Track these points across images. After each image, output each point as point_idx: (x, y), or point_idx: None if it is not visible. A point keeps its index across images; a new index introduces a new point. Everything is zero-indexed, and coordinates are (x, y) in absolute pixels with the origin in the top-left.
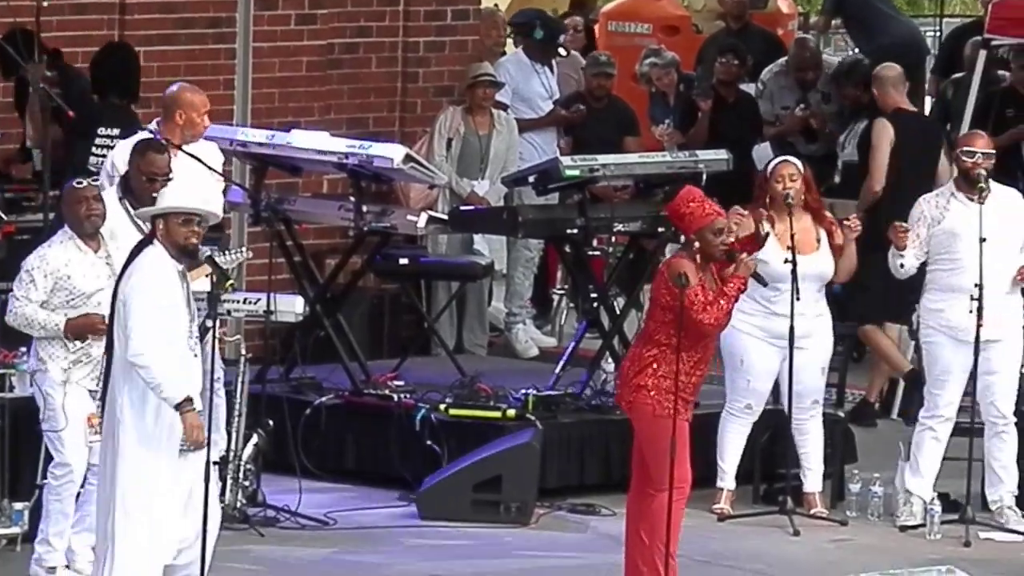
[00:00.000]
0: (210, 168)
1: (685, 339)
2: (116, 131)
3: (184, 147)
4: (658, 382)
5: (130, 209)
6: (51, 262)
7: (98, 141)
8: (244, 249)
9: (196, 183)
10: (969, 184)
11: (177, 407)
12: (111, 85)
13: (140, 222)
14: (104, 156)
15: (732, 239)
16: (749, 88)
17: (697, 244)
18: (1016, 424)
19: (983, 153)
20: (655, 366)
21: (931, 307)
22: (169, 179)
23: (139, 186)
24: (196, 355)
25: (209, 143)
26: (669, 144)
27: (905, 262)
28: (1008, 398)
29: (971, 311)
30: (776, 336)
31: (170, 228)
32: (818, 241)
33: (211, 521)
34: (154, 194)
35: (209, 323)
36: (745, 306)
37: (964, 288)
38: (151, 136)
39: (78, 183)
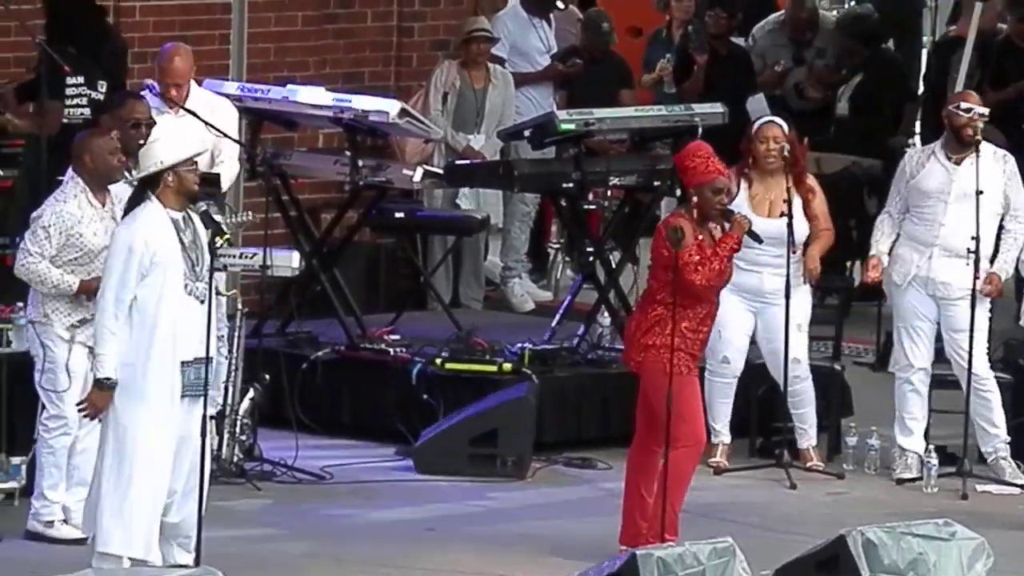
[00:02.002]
0: (209, 125)
1: (684, 297)
2: (81, 79)
3: (196, 101)
4: (666, 340)
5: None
6: (66, 219)
7: (69, 92)
8: (247, 213)
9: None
10: (960, 142)
11: (96, 379)
12: (69, 33)
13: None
14: (77, 107)
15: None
16: (739, 42)
17: (695, 199)
18: (1005, 376)
19: (978, 112)
20: (662, 325)
21: (895, 255)
22: (152, 123)
23: (125, 135)
24: (203, 300)
25: (223, 99)
26: (667, 79)
27: (881, 247)
28: (980, 356)
29: (967, 263)
30: (745, 290)
31: (182, 177)
32: (786, 203)
33: (196, 477)
34: (140, 141)
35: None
36: None
37: (927, 243)
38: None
39: (108, 135)
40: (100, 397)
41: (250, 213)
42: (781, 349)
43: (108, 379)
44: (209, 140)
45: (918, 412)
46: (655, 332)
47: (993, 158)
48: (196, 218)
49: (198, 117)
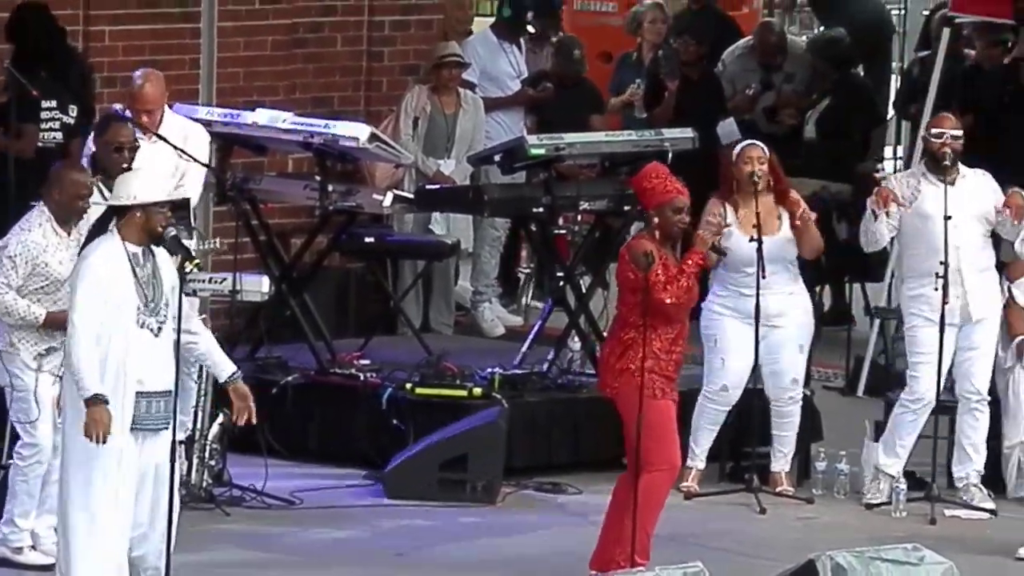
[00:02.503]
0: (180, 151)
1: (654, 318)
2: (54, 103)
3: (169, 127)
4: (639, 364)
5: (103, 188)
6: (31, 248)
7: (44, 115)
8: (214, 240)
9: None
10: (937, 165)
11: (86, 400)
12: (37, 57)
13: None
14: (50, 131)
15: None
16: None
17: (656, 220)
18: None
19: (951, 134)
20: (635, 348)
21: (911, 294)
22: (136, 148)
23: (107, 159)
24: (156, 334)
25: (196, 125)
26: (637, 104)
27: (879, 229)
28: (984, 376)
29: (936, 288)
30: (747, 316)
31: (151, 217)
32: (779, 220)
33: (163, 511)
34: (123, 164)
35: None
36: (718, 288)
37: (939, 270)
38: (111, 112)
39: (84, 177)
40: (98, 413)
41: (218, 240)
42: (784, 370)
43: (97, 395)
44: (182, 166)
45: (909, 441)
46: (628, 356)
47: (974, 176)
48: (158, 252)
49: (170, 144)
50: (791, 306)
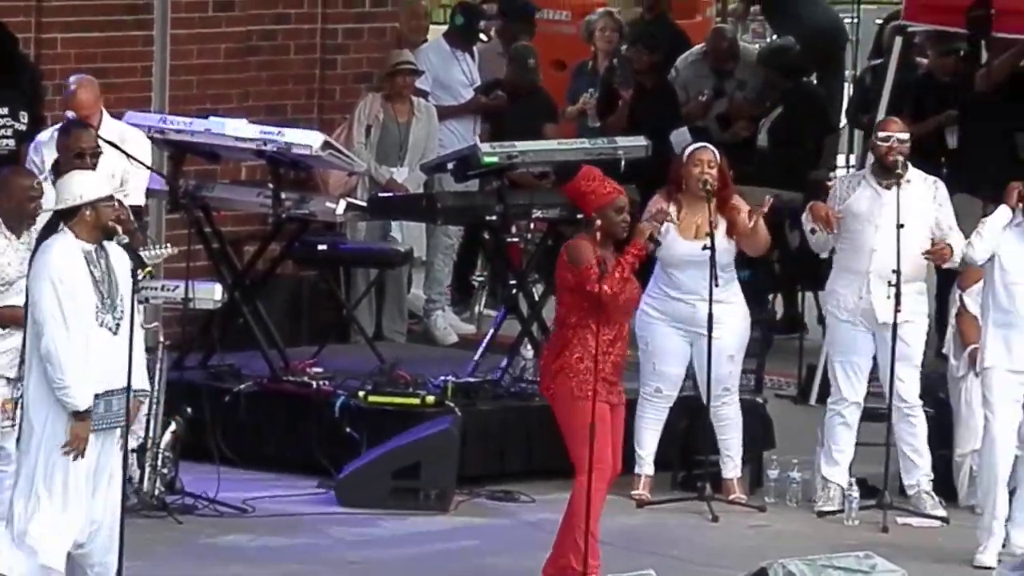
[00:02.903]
0: (128, 155)
1: (592, 318)
2: (6, 109)
3: (108, 132)
4: (575, 364)
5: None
6: None
7: None
8: (167, 246)
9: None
10: (884, 170)
11: (75, 414)
12: None
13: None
14: (3, 138)
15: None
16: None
17: (599, 223)
18: (926, 409)
19: (898, 138)
20: (571, 349)
21: (829, 287)
22: (98, 154)
23: (69, 165)
24: (115, 332)
25: (135, 130)
26: (590, 112)
27: (818, 240)
28: (912, 385)
29: (889, 296)
30: (677, 320)
31: (100, 213)
32: (716, 227)
33: (116, 508)
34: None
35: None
36: (651, 289)
37: (861, 271)
38: (66, 120)
39: (31, 180)
40: (84, 430)
41: (169, 245)
42: (715, 379)
43: (87, 410)
44: (120, 170)
45: (846, 445)
46: (564, 357)
47: (923, 184)
48: (111, 249)
49: (114, 146)
50: (725, 314)
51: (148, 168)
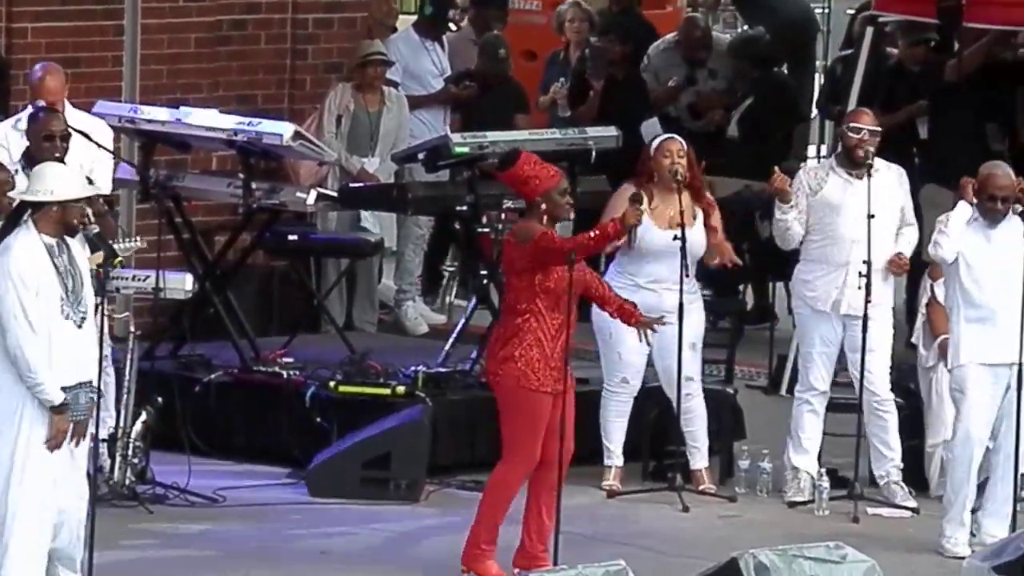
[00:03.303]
0: (97, 144)
1: (545, 299)
2: None
3: (74, 118)
4: (524, 352)
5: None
6: None
7: None
8: (136, 239)
9: (79, 161)
10: (853, 162)
11: (53, 408)
12: None
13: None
14: None
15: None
16: None
17: (544, 206)
18: (897, 400)
19: (869, 130)
20: (520, 336)
21: (800, 278)
22: (68, 138)
23: (39, 149)
24: (80, 326)
25: (98, 120)
26: (561, 103)
27: (787, 221)
28: (882, 377)
29: (860, 287)
30: (643, 309)
31: (67, 211)
32: (694, 217)
33: (82, 499)
34: (56, 154)
35: (97, 300)
36: (615, 277)
37: (832, 261)
38: (35, 109)
39: (5, 175)
40: (64, 424)
41: (139, 239)
42: (675, 366)
43: (63, 403)
44: (87, 159)
45: (814, 433)
46: (513, 343)
47: (889, 172)
48: (72, 242)
49: (82, 134)
50: (688, 303)
51: (114, 155)
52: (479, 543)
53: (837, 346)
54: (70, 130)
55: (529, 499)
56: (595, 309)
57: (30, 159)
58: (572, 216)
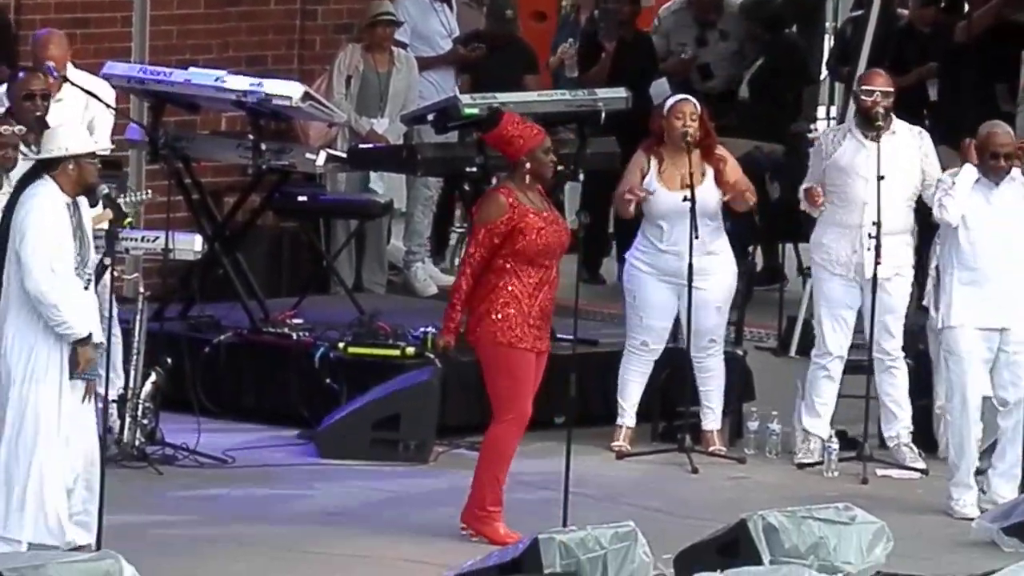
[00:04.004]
0: (102, 101)
1: (517, 259)
2: None
3: (77, 80)
4: (501, 308)
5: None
6: None
7: None
8: (145, 191)
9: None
10: (867, 123)
11: (78, 341)
12: None
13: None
14: None
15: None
16: None
17: (529, 165)
18: (908, 361)
19: (882, 92)
20: (496, 292)
21: (816, 241)
22: (48, 96)
23: (20, 109)
24: (87, 288)
25: (101, 81)
26: (569, 63)
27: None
28: (896, 337)
29: (868, 248)
30: (666, 273)
31: (83, 168)
32: (703, 176)
33: (94, 464)
34: (37, 113)
35: (107, 261)
36: (639, 243)
37: (849, 224)
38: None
39: (3, 129)
40: (91, 352)
41: (149, 191)
42: (702, 330)
43: (88, 335)
44: (84, 121)
45: (828, 397)
46: (490, 300)
47: (909, 134)
48: (83, 205)
49: (85, 91)
50: (712, 265)
51: (131, 120)
52: (484, 505)
53: (855, 309)
54: (50, 90)
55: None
56: (625, 267)
57: (15, 119)
58: (554, 175)
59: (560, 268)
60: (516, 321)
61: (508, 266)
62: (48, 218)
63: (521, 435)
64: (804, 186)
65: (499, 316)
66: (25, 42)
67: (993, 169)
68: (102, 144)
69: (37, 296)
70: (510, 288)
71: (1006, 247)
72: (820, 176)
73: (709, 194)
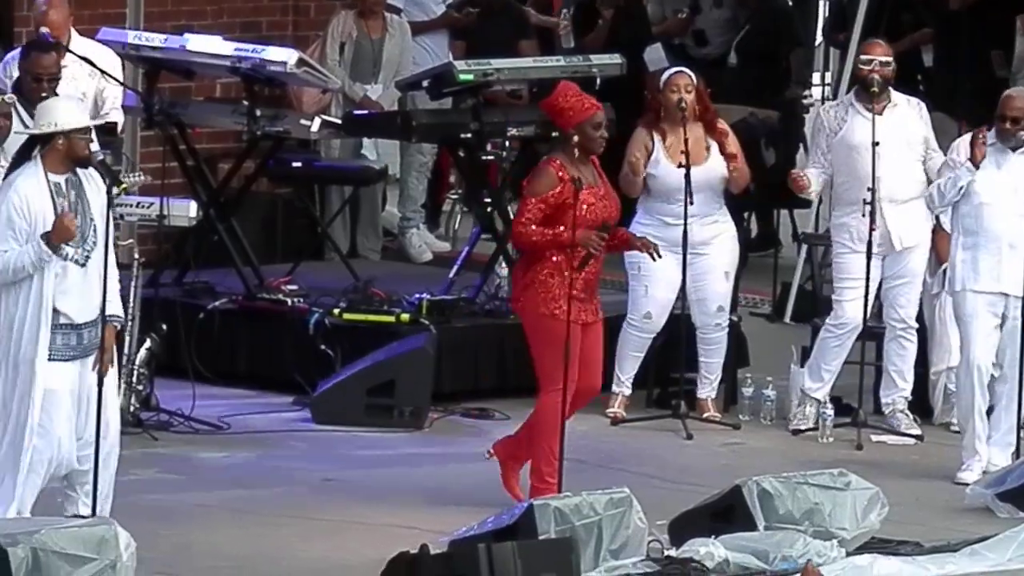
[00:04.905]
0: (103, 71)
1: (565, 232)
2: None
3: (81, 48)
4: (545, 279)
5: (21, 112)
6: None
7: None
8: (140, 174)
9: (84, 90)
10: (866, 93)
11: (43, 236)
12: None
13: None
14: None
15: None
16: None
17: (576, 138)
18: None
19: (880, 61)
20: (541, 263)
21: (838, 222)
22: (56, 79)
23: (27, 87)
24: (83, 265)
25: (106, 48)
26: (564, 34)
27: (812, 179)
28: (911, 305)
29: (863, 215)
30: (673, 244)
31: (73, 144)
32: (708, 150)
33: (104, 437)
34: (43, 94)
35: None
36: (642, 218)
37: (860, 201)
38: (38, 37)
39: None
40: (59, 224)
41: (143, 174)
42: (709, 298)
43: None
44: (92, 89)
45: (835, 365)
46: (535, 270)
47: (908, 106)
48: (86, 178)
49: (88, 62)
50: (717, 234)
51: (121, 84)
52: (543, 477)
53: (875, 282)
54: (59, 73)
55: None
56: None
57: (20, 92)
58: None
59: None
60: (559, 292)
61: (553, 236)
62: (14, 208)
63: (567, 406)
64: (793, 171)
65: (542, 287)
66: (20, 7)
67: (1002, 132)
68: (111, 116)
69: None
70: (555, 259)
71: (1015, 212)
72: (823, 152)
73: (715, 165)
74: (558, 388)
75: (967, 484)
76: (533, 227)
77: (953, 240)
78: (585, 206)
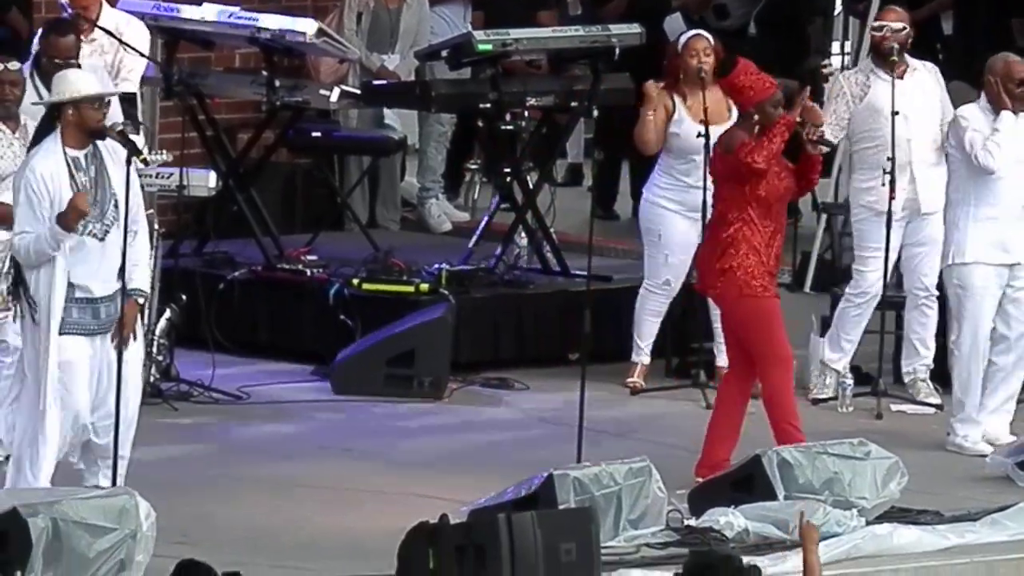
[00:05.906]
0: (125, 44)
1: (757, 208)
2: None
3: (106, 22)
4: (742, 261)
5: (40, 87)
6: None
7: None
8: (164, 152)
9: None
10: (882, 59)
11: (58, 217)
12: None
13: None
14: None
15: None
16: None
17: (756, 117)
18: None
19: (892, 28)
20: (735, 246)
21: (859, 187)
22: (71, 63)
23: (47, 68)
24: (102, 239)
25: (135, 19)
26: (572, 3)
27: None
28: (933, 272)
29: (883, 184)
30: (692, 209)
31: (83, 113)
32: (729, 111)
33: (124, 406)
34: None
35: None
36: (660, 180)
37: (901, 163)
38: (60, 17)
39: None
40: (72, 204)
41: (166, 152)
42: None
43: (58, 216)
44: (115, 60)
45: (855, 335)
46: (729, 254)
47: (926, 71)
48: (107, 151)
49: (111, 34)
50: None
51: (145, 58)
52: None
53: (895, 251)
54: (75, 57)
55: (718, 409)
56: (644, 207)
57: (38, 67)
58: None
59: (572, 204)
60: (758, 271)
61: (744, 217)
62: (32, 187)
63: (791, 374)
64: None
65: (741, 269)
66: None
67: (1017, 97)
68: (129, 86)
69: (15, 252)
70: (748, 239)
71: (1021, 183)
72: (844, 119)
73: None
74: (777, 363)
75: (982, 454)
76: (760, 147)
77: (959, 211)
78: (776, 176)
